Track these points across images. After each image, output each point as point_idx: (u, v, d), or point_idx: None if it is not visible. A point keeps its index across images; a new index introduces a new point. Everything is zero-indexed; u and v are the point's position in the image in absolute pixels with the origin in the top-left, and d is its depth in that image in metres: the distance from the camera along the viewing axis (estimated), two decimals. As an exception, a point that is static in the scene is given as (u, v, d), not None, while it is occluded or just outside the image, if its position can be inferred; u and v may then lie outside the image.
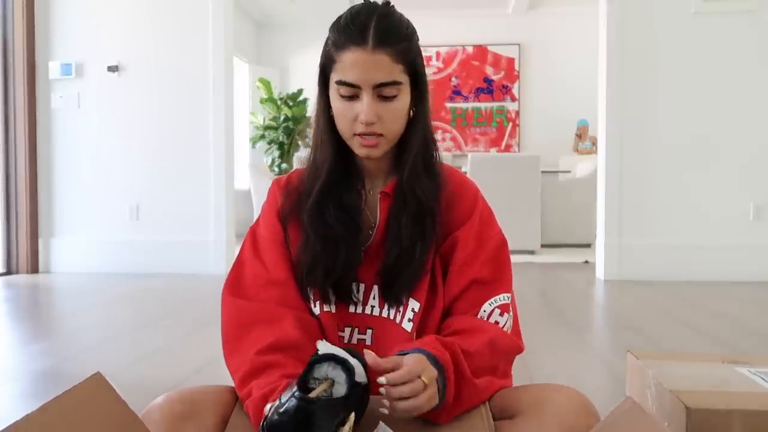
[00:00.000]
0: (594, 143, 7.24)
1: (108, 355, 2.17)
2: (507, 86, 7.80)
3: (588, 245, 5.62)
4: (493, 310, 0.96)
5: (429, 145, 1.01)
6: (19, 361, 2.10)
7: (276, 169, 7.06)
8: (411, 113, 0.99)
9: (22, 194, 4.27)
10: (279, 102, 7.21)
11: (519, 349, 0.99)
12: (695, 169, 3.86)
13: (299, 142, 7.21)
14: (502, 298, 0.98)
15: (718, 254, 3.83)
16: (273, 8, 7.55)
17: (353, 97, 0.94)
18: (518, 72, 7.75)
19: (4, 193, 4.30)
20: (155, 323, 2.71)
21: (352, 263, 0.98)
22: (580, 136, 7.55)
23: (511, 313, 0.99)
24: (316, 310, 0.99)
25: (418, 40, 0.98)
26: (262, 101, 7.27)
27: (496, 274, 0.99)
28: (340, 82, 0.94)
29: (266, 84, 7.23)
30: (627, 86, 3.89)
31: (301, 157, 6.10)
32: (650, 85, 3.88)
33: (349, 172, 1.01)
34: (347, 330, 0.99)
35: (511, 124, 7.82)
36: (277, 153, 7.20)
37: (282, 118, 7.17)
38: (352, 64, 0.92)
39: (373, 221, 1.02)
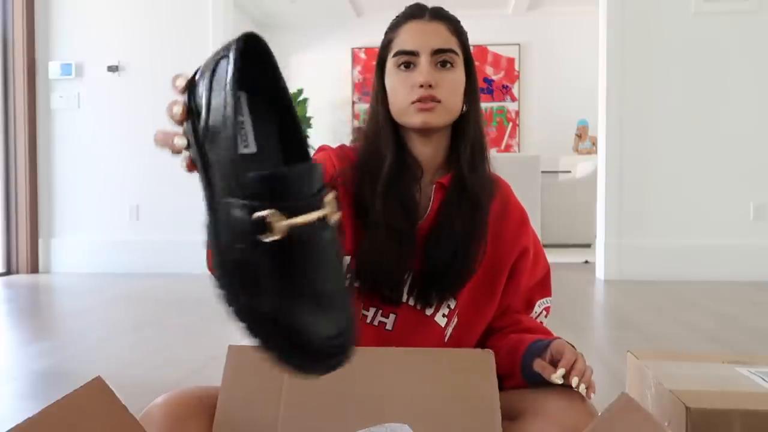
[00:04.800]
0: (594, 143, 7.24)
1: (108, 355, 2.17)
2: (507, 86, 7.79)
3: (588, 245, 5.62)
4: (541, 312, 1.08)
5: (482, 137, 1.03)
6: (19, 361, 2.10)
7: (276, 169, 7.06)
8: (464, 108, 1.01)
9: (22, 194, 4.27)
10: (279, 102, 7.21)
11: None
12: (695, 169, 3.86)
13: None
14: (547, 301, 1.10)
15: (718, 254, 3.83)
16: (273, 8, 7.55)
17: (410, 66, 0.96)
18: (518, 72, 7.75)
19: (4, 193, 4.30)
20: (155, 323, 2.71)
21: (409, 260, 0.97)
22: (580, 136, 7.55)
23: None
24: None
25: (468, 40, 1.02)
26: (262, 101, 7.27)
27: (545, 276, 1.10)
28: (398, 53, 0.96)
29: (266, 84, 7.23)
30: (627, 86, 3.89)
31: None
32: (650, 85, 3.88)
33: (405, 163, 1.00)
34: (372, 310, 0.98)
35: (511, 124, 7.81)
36: (277, 153, 7.20)
37: (282, 118, 7.17)
38: (409, 33, 0.96)
39: (423, 211, 1.00)
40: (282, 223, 0.46)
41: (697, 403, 0.88)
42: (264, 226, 0.46)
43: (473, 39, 1.04)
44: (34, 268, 4.31)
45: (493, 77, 7.77)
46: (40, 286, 3.83)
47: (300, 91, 7.25)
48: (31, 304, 3.34)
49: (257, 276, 0.47)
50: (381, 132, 1.00)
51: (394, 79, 0.97)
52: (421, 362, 0.85)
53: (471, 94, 1.01)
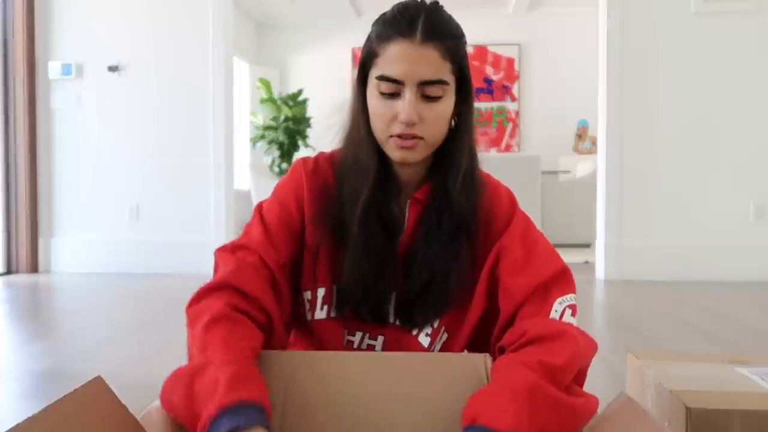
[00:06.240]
0: (594, 143, 7.24)
1: (108, 355, 2.17)
2: (507, 86, 7.79)
3: (588, 245, 5.62)
4: (564, 310, 0.87)
5: (474, 158, 0.94)
6: (19, 361, 2.10)
7: (276, 169, 7.06)
8: (454, 122, 0.92)
9: (22, 194, 4.27)
10: (279, 102, 7.21)
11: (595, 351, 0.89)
12: (695, 169, 3.86)
13: (299, 143, 7.21)
14: (570, 298, 0.89)
15: (718, 254, 3.83)
16: (273, 8, 7.55)
17: (394, 95, 0.87)
18: (518, 72, 7.75)
19: (4, 193, 4.30)
20: (155, 323, 2.71)
21: (390, 279, 0.91)
22: (580, 136, 7.55)
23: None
24: (318, 315, 0.95)
25: (466, 43, 0.92)
26: (262, 101, 7.27)
27: (558, 274, 0.90)
28: (381, 77, 0.87)
29: (266, 84, 7.23)
30: (627, 86, 3.89)
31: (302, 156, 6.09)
32: (650, 85, 3.88)
33: (387, 179, 0.93)
34: (358, 334, 0.95)
35: (511, 124, 7.81)
36: (277, 153, 7.20)
37: (282, 118, 7.17)
38: (396, 57, 0.85)
39: (400, 228, 0.94)
40: None
41: (697, 403, 0.88)
42: None
43: (473, 39, 1.00)
44: (34, 268, 4.31)
45: (493, 77, 7.77)
46: (40, 286, 3.83)
47: (300, 92, 7.26)
48: (31, 304, 3.34)
49: None
50: (363, 146, 0.93)
51: (375, 102, 0.89)
52: (419, 367, 0.85)
53: (463, 107, 0.92)
